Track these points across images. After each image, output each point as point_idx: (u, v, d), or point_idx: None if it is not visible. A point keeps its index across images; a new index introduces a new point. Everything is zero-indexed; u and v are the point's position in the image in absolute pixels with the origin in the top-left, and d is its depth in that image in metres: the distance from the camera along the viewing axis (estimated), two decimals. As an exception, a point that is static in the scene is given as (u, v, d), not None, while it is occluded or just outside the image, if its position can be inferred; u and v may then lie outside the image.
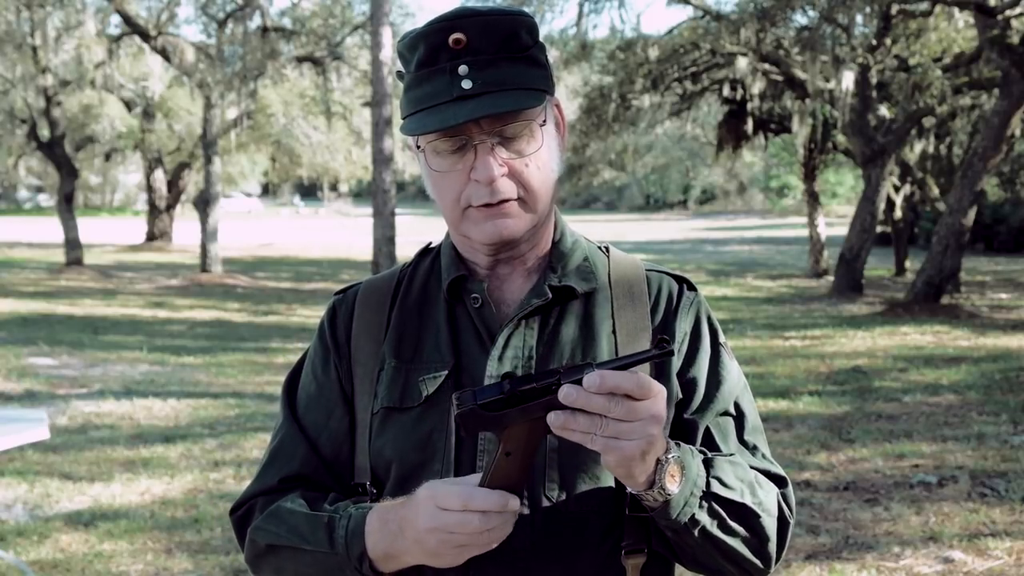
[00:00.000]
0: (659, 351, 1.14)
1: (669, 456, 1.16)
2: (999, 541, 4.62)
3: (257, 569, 1.36)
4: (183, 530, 4.96)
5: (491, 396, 1.12)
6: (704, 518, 1.21)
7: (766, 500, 1.27)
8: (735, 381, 1.36)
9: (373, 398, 1.33)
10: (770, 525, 1.27)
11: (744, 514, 1.24)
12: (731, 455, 1.29)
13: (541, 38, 1.31)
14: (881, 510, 5.14)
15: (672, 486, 1.17)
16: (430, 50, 1.24)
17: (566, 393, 1.09)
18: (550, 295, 1.32)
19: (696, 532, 1.21)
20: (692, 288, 1.39)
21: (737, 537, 1.24)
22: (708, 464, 1.23)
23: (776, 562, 1.31)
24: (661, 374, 1.31)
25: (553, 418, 1.10)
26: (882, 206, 16.74)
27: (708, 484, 1.21)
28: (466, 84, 1.22)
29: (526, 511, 1.17)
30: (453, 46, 1.23)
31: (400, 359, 1.34)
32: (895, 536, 4.77)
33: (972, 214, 13.48)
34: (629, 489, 1.19)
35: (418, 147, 1.30)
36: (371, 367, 1.35)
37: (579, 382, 1.10)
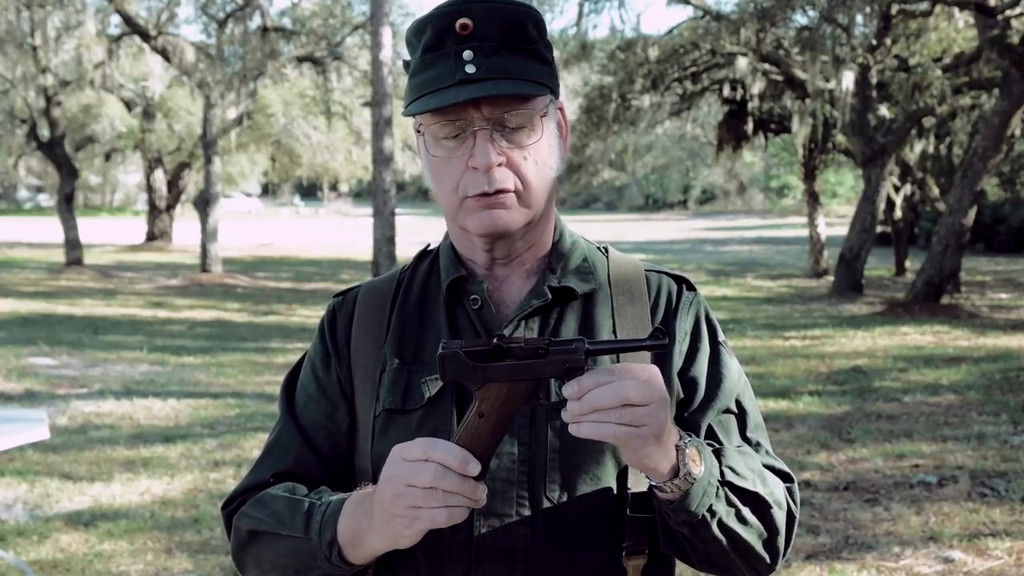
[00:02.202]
0: (653, 341, 1.14)
1: (686, 440, 1.18)
2: (999, 541, 4.62)
3: (240, 561, 1.36)
4: (183, 530, 4.96)
5: (478, 347, 1.14)
6: (721, 508, 1.21)
7: (776, 491, 1.28)
8: (736, 379, 1.36)
9: (375, 400, 1.33)
10: (780, 517, 1.27)
11: (757, 504, 1.24)
12: (739, 445, 1.30)
13: None
14: (881, 510, 5.14)
15: (696, 469, 1.17)
16: (437, 34, 1.25)
17: (568, 388, 1.10)
18: (550, 296, 1.32)
19: (714, 524, 1.21)
20: (691, 288, 1.39)
21: (751, 529, 1.24)
22: (718, 454, 1.24)
23: (783, 557, 1.31)
24: (665, 375, 1.31)
25: (567, 411, 1.10)
26: (882, 206, 16.74)
27: (722, 473, 1.22)
28: (470, 69, 1.22)
29: (484, 500, 1.15)
30: (459, 31, 1.23)
31: (402, 360, 1.34)
32: (895, 536, 4.77)
33: (972, 214, 13.48)
34: (651, 481, 1.19)
35: (418, 131, 1.30)
36: (372, 369, 1.35)
37: (566, 350, 1.12)
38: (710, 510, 1.20)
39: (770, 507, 1.25)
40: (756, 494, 1.24)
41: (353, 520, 1.21)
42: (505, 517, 1.25)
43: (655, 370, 1.13)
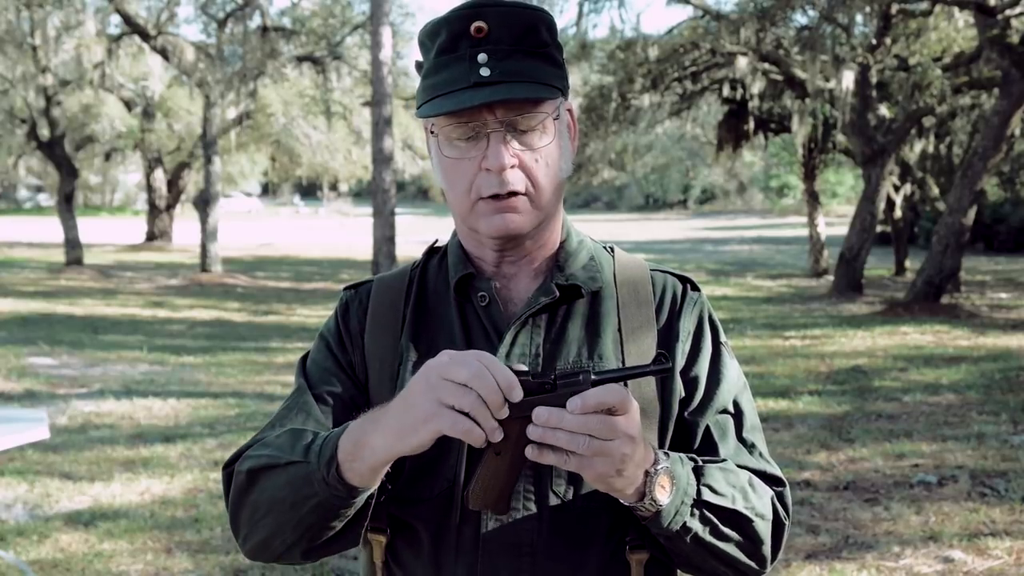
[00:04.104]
0: (657, 367, 1.16)
1: (658, 467, 1.18)
2: (999, 541, 4.62)
3: (236, 516, 1.30)
4: (183, 530, 4.96)
5: None
6: (696, 525, 1.22)
7: (759, 504, 1.28)
8: (734, 380, 1.37)
9: (392, 391, 1.33)
10: (763, 529, 1.28)
11: (736, 520, 1.25)
12: (723, 460, 1.29)
13: None
14: (881, 510, 5.14)
15: (663, 497, 1.18)
16: (451, 37, 1.26)
17: (538, 414, 1.09)
18: (557, 293, 1.33)
19: (688, 539, 1.22)
20: (696, 288, 1.41)
21: (730, 542, 1.26)
22: (699, 472, 1.24)
23: (772, 563, 1.32)
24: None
25: (531, 430, 1.10)
26: (882, 206, 16.74)
27: (699, 492, 1.22)
28: (484, 72, 1.24)
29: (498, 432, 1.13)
30: (474, 34, 1.25)
31: (419, 355, 1.34)
32: (895, 536, 4.77)
33: (972, 214, 13.48)
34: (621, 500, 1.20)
35: (432, 133, 1.31)
36: (389, 361, 1.36)
37: (573, 382, 1.11)
38: (684, 527, 1.21)
39: (751, 521, 1.26)
40: (735, 511, 1.25)
41: (358, 431, 1.18)
42: (512, 511, 1.26)
43: (635, 407, 1.13)
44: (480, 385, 1.08)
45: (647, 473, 1.16)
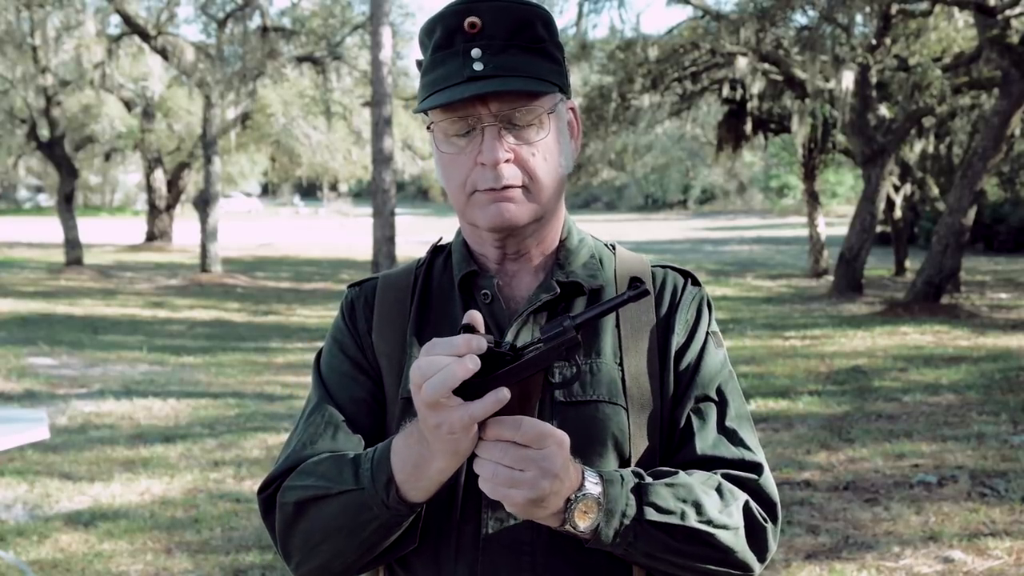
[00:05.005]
0: (633, 292, 1.15)
1: (580, 495, 1.17)
2: (999, 541, 4.62)
3: (286, 544, 1.30)
4: (183, 530, 4.96)
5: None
6: (640, 545, 1.21)
7: (720, 515, 1.25)
8: (717, 368, 1.37)
9: (398, 388, 1.35)
10: (728, 537, 1.25)
11: (689, 535, 1.23)
12: (675, 473, 1.27)
13: None
14: (881, 510, 5.14)
15: (583, 523, 1.17)
16: (446, 33, 1.27)
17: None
18: (558, 290, 1.34)
19: (640, 555, 1.22)
20: (696, 283, 1.41)
21: (690, 556, 1.24)
22: (642, 490, 1.22)
23: (762, 562, 1.30)
24: (664, 367, 1.34)
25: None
26: (882, 206, 16.74)
27: (642, 512, 1.21)
28: (478, 67, 1.25)
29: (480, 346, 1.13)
30: (468, 30, 1.26)
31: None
32: (895, 536, 4.77)
33: (972, 214, 13.48)
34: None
35: (430, 128, 1.32)
36: (396, 358, 1.36)
37: (558, 333, 1.11)
38: (630, 547, 1.21)
39: (710, 534, 1.24)
40: (684, 527, 1.22)
41: (409, 452, 1.18)
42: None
43: (554, 441, 1.12)
44: (432, 367, 1.08)
45: (568, 500, 1.16)
